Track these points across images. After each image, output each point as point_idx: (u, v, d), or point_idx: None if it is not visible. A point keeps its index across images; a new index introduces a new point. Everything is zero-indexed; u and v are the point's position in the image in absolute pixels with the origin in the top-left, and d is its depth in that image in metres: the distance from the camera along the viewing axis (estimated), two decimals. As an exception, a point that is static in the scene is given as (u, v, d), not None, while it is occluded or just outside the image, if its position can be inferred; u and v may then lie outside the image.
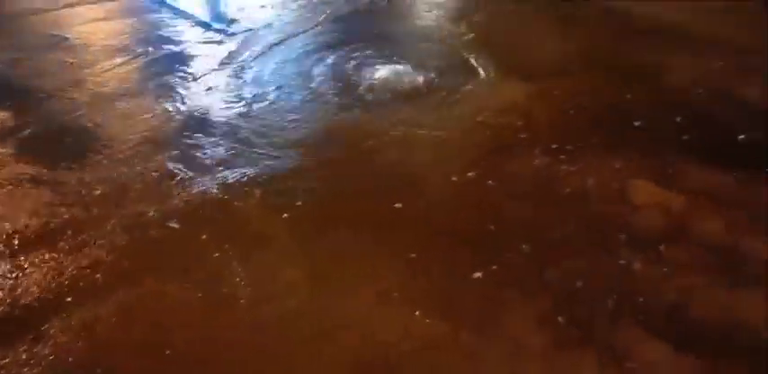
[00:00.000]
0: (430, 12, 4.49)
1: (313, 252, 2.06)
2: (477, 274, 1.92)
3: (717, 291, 1.81)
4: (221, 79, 3.39)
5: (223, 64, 3.57)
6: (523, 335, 1.69)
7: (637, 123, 2.82)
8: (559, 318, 1.73)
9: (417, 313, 1.78)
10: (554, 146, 2.63)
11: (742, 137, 2.66)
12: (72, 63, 3.54)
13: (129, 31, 4.01)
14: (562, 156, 2.56)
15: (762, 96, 3.02)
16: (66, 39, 3.85)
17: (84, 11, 4.31)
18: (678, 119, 2.84)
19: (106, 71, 3.43)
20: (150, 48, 3.73)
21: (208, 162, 2.60)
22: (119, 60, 3.55)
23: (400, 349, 1.67)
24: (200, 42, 3.90)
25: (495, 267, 1.94)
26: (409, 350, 1.67)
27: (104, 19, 4.21)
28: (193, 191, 2.40)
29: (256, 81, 3.39)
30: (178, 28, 4.13)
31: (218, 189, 2.41)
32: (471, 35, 3.98)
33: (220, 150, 2.69)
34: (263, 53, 3.77)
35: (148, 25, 4.14)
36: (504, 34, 3.98)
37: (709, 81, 3.19)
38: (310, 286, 1.92)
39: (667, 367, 1.58)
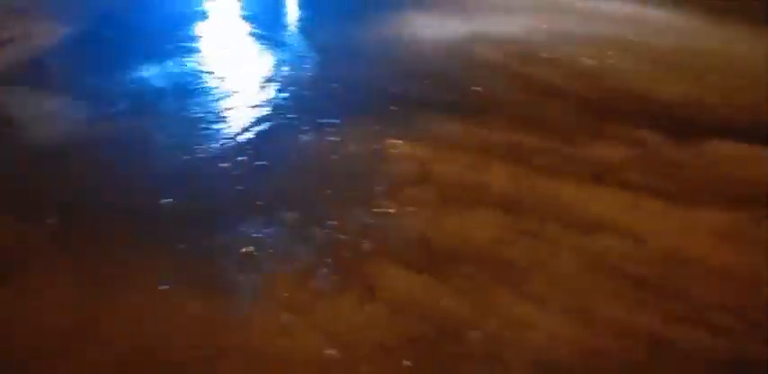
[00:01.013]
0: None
1: (80, 260, 1.94)
2: (248, 249, 1.97)
3: (454, 217, 2.08)
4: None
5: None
6: (284, 295, 1.77)
7: (394, 90, 3.11)
8: (323, 270, 1.86)
9: (184, 297, 1.77)
10: (321, 121, 2.79)
11: (477, 88, 3.08)
12: None
13: None
14: (328, 129, 2.72)
15: (492, 54, 3.52)
16: None
17: None
18: (426, 82, 3.20)
19: None
20: None
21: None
22: None
23: (168, 333, 1.65)
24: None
25: (263, 238, 2.01)
26: (171, 331, 1.65)
27: None
28: None
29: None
30: None
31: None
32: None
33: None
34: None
35: None
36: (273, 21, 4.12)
37: (453, 47, 3.63)
38: (81, 294, 1.80)
39: (417, 289, 1.78)
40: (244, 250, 1.96)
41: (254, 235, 2.02)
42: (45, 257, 1.98)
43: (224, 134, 2.69)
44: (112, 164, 2.49)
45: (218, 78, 3.27)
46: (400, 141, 2.57)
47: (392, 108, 2.89)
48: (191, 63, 3.47)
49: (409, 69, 3.36)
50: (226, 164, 2.45)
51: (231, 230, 2.06)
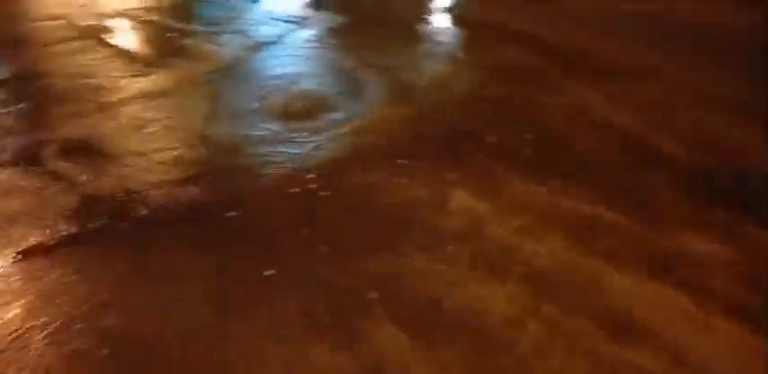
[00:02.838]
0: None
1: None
2: (270, 272, 2.08)
3: (478, 285, 1.94)
4: None
5: None
6: (283, 325, 1.83)
7: (489, 139, 3.01)
8: (317, 309, 1.88)
9: (210, 314, 1.91)
10: (399, 161, 2.82)
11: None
12: None
13: None
14: (400, 170, 2.73)
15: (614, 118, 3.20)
16: None
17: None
18: (528, 136, 3.03)
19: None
20: None
21: None
22: None
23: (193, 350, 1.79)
24: None
25: (290, 266, 2.11)
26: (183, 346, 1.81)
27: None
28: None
29: None
30: None
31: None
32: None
33: None
34: None
35: None
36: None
37: (570, 106, 3.38)
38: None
39: (401, 352, 1.71)
40: (267, 273, 2.08)
41: (282, 261, 2.13)
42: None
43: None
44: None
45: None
46: (466, 194, 2.47)
47: (478, 158, 2.80)
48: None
49: (511, 119, 3.23)
50: (296, 190, 2.61)
51: (266, 252, 2.20)
